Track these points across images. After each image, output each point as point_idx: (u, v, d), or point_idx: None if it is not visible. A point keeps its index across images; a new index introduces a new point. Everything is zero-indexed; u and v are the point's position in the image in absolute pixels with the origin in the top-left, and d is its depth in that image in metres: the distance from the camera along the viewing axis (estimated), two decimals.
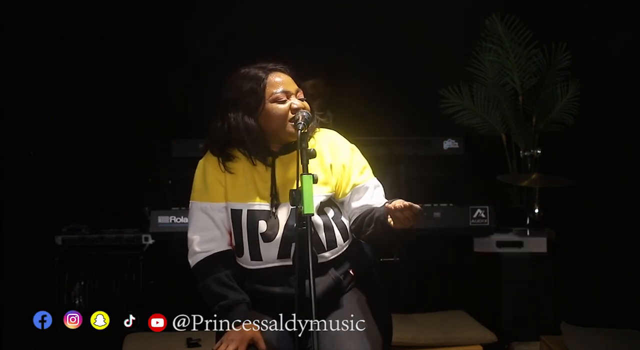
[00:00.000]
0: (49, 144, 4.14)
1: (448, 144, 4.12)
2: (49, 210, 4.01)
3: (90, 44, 4.16)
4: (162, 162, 4.11)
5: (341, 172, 2.23)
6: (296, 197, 1.95)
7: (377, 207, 2.16)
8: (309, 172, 1.96)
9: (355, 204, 2.22)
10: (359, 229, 2.19)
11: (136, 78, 4.22)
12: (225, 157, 2.23)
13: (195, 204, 2.25)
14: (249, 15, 4.24)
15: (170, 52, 4.24)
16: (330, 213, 2.22)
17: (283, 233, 2.15)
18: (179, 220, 3.63)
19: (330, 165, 2.23)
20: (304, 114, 2.13)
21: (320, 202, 2.19)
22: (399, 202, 1.98)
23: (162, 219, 3.64)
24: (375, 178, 2.29)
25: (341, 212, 2.26)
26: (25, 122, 4.04)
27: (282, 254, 2.16)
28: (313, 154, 2.05)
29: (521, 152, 4.07)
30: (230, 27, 4.22)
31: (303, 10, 4.24)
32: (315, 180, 1.95)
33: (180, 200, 3.74)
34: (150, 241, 3.82)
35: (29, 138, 4.10)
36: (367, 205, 2.20)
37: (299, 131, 2.05)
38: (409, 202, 1.97)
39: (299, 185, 1.94)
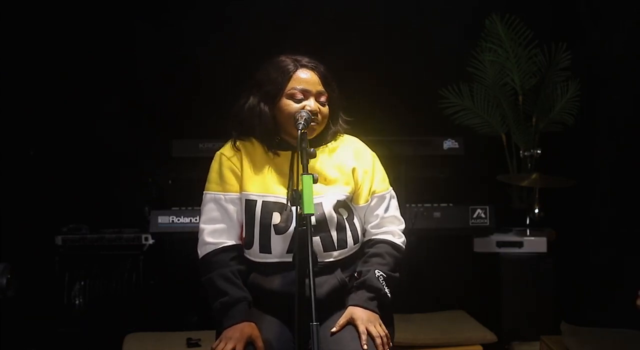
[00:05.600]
0: (49, 144, 4.14)
1: (448, 144, 4.12)
2: (49, 210, 4.00)
3: (90, 44, 4.16)
4: (162, 162, 4.11)
5: (363, 177, 2.25)
6: (296, 197, 1.96)
7: (368, 260, 2.23)
8: (321, 172, 1.95)
9: (369, 214, 2.28)
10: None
11: (136, 78, 4.22)
12: (242, 140, 2.25)
13: (209, 195, 2.24)
14: (249, 15, 4.23)
15: (170, 53, 4.23)
16: (346, 213, 2.23)
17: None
18: (179, 220, 3.62)
19: (353, 169, 2.25)
20: (304, 114, 2.13)
21: (338, 201, 2.19)
22: (357, 321, 2.11)
23: (162, 219, 3.63)
24: (391, 188, 2.33)
25: (355, 215, 2.27)
26: (25, 122, 4.04)
27: (292, 248, 2.15)
28: (313, 154, 2.05)
29: (521, 152, 4.07)
30: (231, 28, 4.21)
31: (303, 10, 4.24)
32: (315, 180, 1.95)
33: (180, 200, 3.74)
34: (150, 241, 3.82)
35: (29, 138, 4.10)
36: (377, 216, 2.26)
37: (299, 131, 2.05)
38: (361, 334, 2.08)
39: (299, 185, 1.94)
